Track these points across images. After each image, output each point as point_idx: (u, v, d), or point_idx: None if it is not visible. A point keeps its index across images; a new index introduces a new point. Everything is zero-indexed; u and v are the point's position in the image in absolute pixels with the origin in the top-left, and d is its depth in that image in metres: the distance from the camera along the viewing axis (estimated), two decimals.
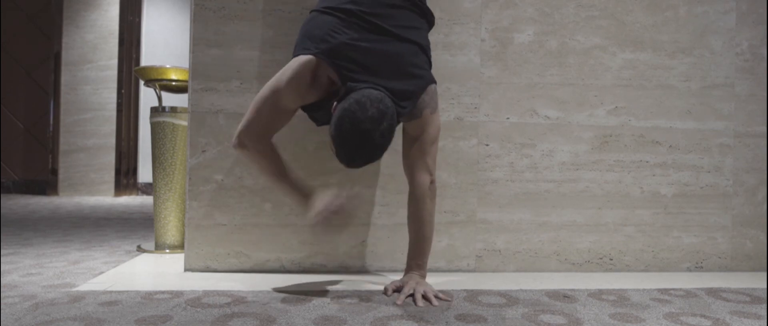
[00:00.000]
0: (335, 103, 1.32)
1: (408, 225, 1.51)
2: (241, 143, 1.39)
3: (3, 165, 4.95)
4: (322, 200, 1.36)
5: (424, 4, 1.51)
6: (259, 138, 1.39)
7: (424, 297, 1.38)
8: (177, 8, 5.12)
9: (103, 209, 3.66)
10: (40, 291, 1.42)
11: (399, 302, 1.36)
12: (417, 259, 1.49)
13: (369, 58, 1.36)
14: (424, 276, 1.49)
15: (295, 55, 1.40)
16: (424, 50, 1.47)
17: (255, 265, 1.71)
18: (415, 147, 1.46)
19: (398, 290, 1.45)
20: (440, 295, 1.41)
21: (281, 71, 1.38)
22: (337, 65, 1.34)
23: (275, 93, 1.36)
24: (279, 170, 1.42)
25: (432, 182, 1.47)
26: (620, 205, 1.87)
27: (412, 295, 1.40)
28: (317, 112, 1.45)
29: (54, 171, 4.72)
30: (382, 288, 1.51)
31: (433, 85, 1.45)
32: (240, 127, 1.39)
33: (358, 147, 1.23)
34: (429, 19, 1.53)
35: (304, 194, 1.42)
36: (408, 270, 1.50)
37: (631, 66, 1.87)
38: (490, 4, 1.80)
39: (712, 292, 1.57)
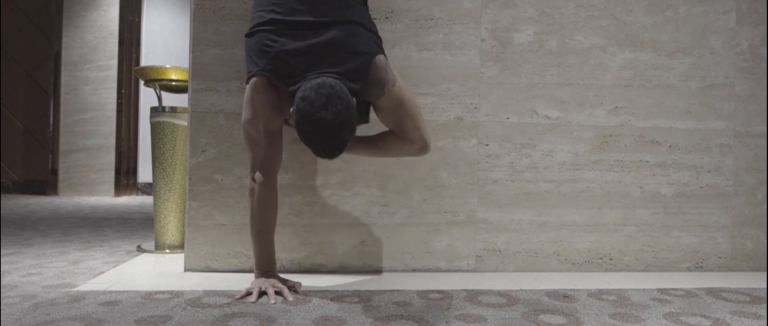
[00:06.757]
0: (291, 110, 1.36)
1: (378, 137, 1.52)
2: (252, 180, 1.45)
3: (3, 165, 4.95)
4: (261, 282, 1.43)
5: None
6: (268, 172, 1.44)
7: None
8: (177, 8, 5.12)
9: (103, 209, 3.66)
10: (40, 291, 1.42)
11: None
12: None
13: (307, 57, 1.38)
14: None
15: (246, 80, 1.45)
16: (362, 24, 1.44)
17: None
18: (399, 111, 1.44)
19: None
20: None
21: (244, 103, 1.45)
22: (280, 75, 1.39)
23: (248, 123, 1.43)
24: (265, 227, 1.47)
25: (422, 140, 1.46)
26: (620, 205, 1.87)
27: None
28: None
29: (54, 172, 4.72)
30: (381, 288, 1.51)
31: (379, 57, 1.42)
32: (250, 167, 1.46)
33: (321, 136, 1.25)
34: None
35: (262, 267, 1.48)
36: None
37: (631, 66, 1.87)
38: (490, 4, 1.80)
39: (712, 292, 1.57)
